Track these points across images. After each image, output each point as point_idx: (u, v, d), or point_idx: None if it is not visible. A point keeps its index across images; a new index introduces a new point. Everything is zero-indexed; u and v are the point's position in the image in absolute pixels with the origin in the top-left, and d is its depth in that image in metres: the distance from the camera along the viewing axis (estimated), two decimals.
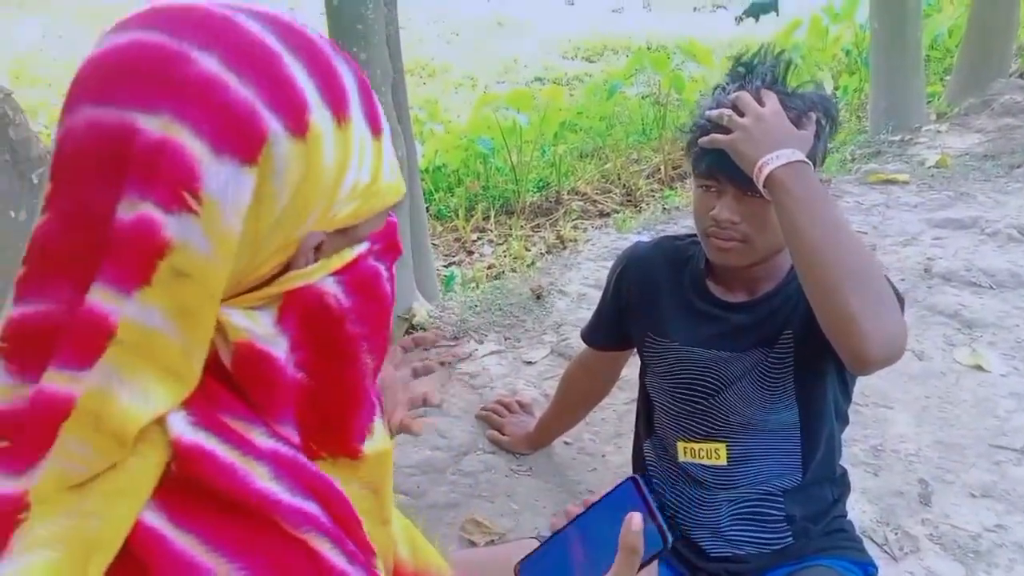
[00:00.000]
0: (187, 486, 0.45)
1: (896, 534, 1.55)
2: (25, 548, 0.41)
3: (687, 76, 7.04)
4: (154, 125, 0.42)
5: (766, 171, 1.03)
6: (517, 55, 9.62)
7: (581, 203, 5.01)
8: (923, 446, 1.79)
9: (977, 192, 3.08)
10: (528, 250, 4.32)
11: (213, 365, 0.48)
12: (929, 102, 4.59)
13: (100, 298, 0.43)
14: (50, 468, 0.42)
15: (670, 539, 0.65)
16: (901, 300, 1.09)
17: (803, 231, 1.01)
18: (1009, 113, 3.96)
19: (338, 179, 0.49)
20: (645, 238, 2.95)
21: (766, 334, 1.21)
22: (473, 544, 1.58)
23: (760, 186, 1.04)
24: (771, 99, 1.08)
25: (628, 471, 1.62)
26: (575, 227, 4.54)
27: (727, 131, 1.08)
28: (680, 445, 1.30)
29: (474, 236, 4.72)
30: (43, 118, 6.57)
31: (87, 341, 0.43)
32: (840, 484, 1.33)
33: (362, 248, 0.54)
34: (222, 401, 0.48)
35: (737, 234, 1.13)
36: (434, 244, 4.66)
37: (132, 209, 0.42)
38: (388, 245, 0.57)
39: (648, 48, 9.28)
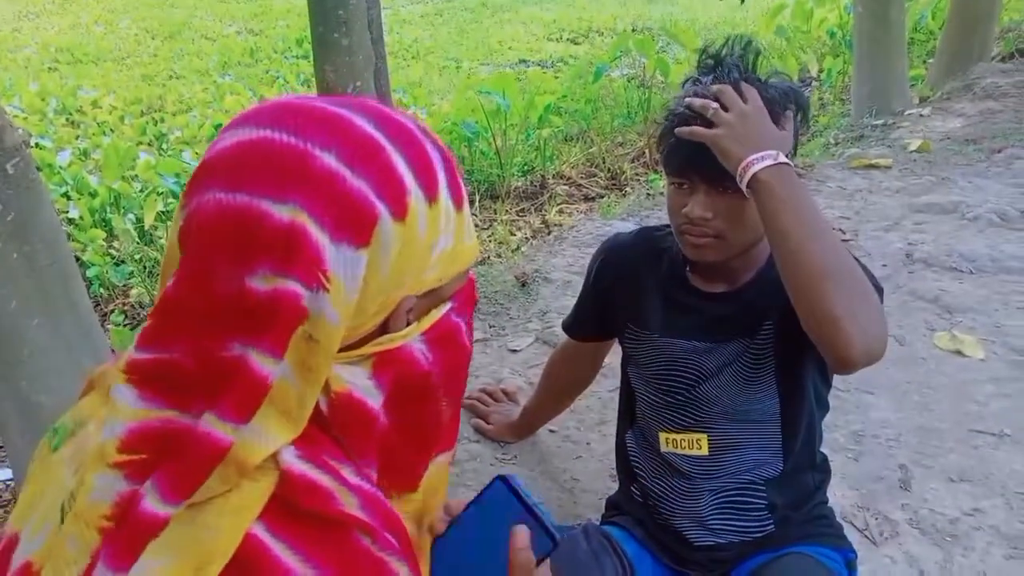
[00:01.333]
0: (287, 506, 0.53)
1: (876, 519, 1.58)
2: (149, 554, 0.49)
3: (671, 59, 7.03)
4: (283, 212, 0.50)
5: (751, 171, 1.03)
6: (501, 37, 9.55)
7: (566, 187, 4.99)
8: (903, 431, 1.82)
9: (958, 177, 3.10)
10: (513, 235, 4.31)
11: (312, 413, 0.55)
12: (912, 86, 4.60)
13: (258, 361, 0.51)
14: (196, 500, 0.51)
15: (558, 536, 0.64)
16: (880, 291, 1.10)
17: (787, 233, 1.02)
18: (991, 97, 3.98)
19: (429, 250, 0.57)
20: (631, 224, 2.96)
21: (746, 324, 1.21)
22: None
23: (743, 185, 1.04)
24: (753, 95, 1.08)
25: (612, 459, 1.63)
26: (560, 211, 4.54)
27: (708, 124, 1.08)
28: (662, 436, 1.31)
29: None
30: (17, 101, 6.47)
31: (249, 398, 0.51)
32: (821, 471, 1.35)
33: (446, 307, 0.62)
34: (320, 442, 0.56)
35: (711, 230, 1.13)
36: None
37: (268, 283, 0.50)
38: (467, 298, 0.65)
39: (633, 30, 9.24)
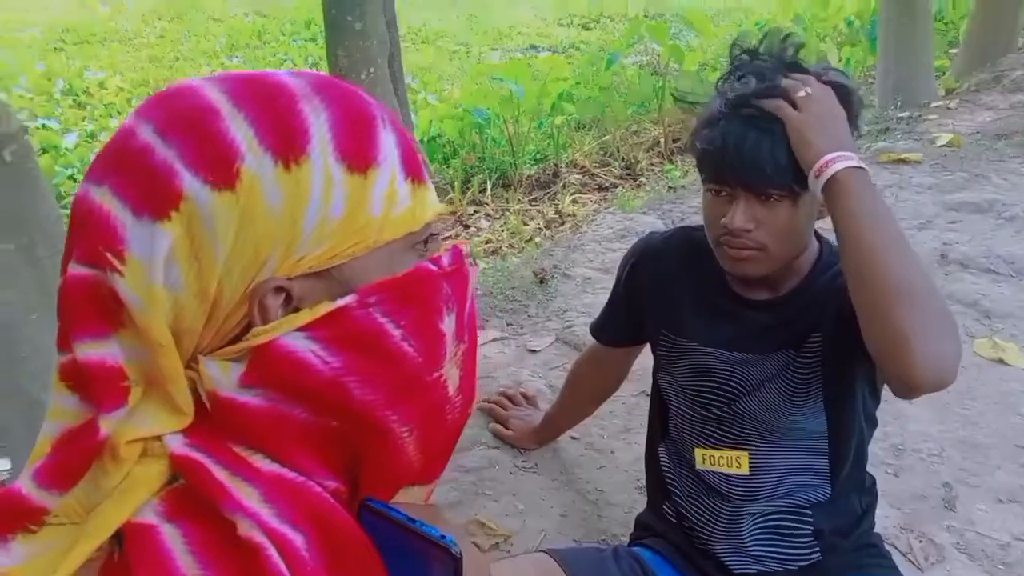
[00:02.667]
0: (189, 493, 0.48)
1: (921, 542, 1.49)
2: (23, 538, 0.47)
3: (685, 45, 6.90)
4: (97, 195, 0.48)
5: (833, 168, 0.95)
6: (511, 21, 9.41)
7: (580, 176, 4.89)
8: (946, 445, 1.72)
9: (992, 173, 2.98)
10: (526, 224, 4.22)
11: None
12: (936, 76, 4.48)
13: (90, 351, 0.48)
14: (76, 494, 0.48)
15: (455, 548, 0.51)
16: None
17: (861, 240, 0.94)
18: (1021, 90, 3.86)
19: (293, 221, 0.48)
20: (652, 218, 2.86)
21: (792, 335, 1.13)
22: (478, 547, 1.50)
23: (818, 184, 0.96)
24: (832, 96, 1.00)
25: (638, 469, 1.54)
26: (574, 201, 4.44)
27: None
28: (698, 452, 1.22)
29: (471, 210, 4.61)
30: (24, 81, 6.38)
31: (112, 387, 0.48)
32: (869, 494, 1.26)
33: (346, 300, 0.49)
34: (232, 432, 0.49)
35: (752, 242, 1.04)
36: None
37: (73, 268, 0.48)
38: (403, 297, 0.52)
39: (646, 16, 9.09)
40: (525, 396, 1.84)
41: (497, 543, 1.51)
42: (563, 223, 4.06)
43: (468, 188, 4.70)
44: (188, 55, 7.86)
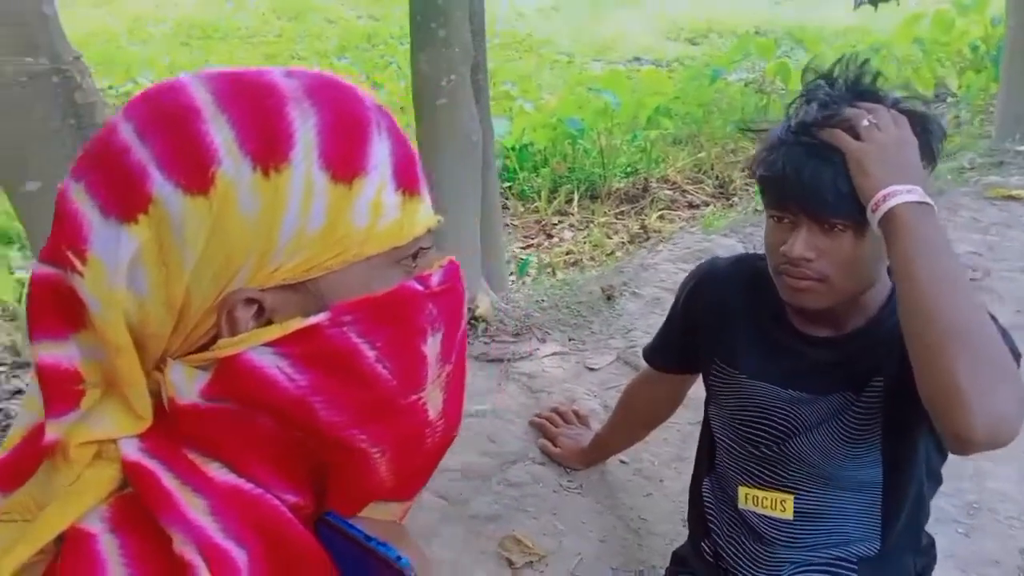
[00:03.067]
0: (137, 501, 0.47)
1: None
2: None
3: (794, 64, 6.68)
4: (73, 192, 0.48)
5: (891, 202, 0.90)
6: (617, 33, 9.35)
7: (670, 192, 4.81)
8: None
9: None
10: (609, 238, 4.17)
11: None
12: None
13: (47, 351, 0.48)
14: (25, 492, 0.48)
15: (409, 571, 0.49)
16: (1018, 356, 0.93)
17: (918, 280, 0.88)
18: None
19: (268, 229, 0.46)
20: (733, 241, 2.77)
21: (852, 377, 1.06)
22: (511, 563, 1.49)
23: (875, 217, 0.90)
24: (904, 123, 0.95)
25: (686, 500, 1.49)
26: (661, 217, 4.36)
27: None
28: (742, 490, 1.17)
29: (555, 219, 4.60)
30: (150, 74, 6.77)
31: (63, 391, 0.48)
32: (925, 555, 1.18)
33: (318, 319, 0.48)
34: (190, 439, 0.49)
35: (813, 273, 0.99)
36: (513, 225, 4.57)
37: (38, 267, 0.49)
38: (381, 317, 0.50)
39: (756, 32, 8.86)
40: (577, 415, 1.81)
41: (531, 562, 1.48)
42: (647, 238, 4.00)
43: (555, 197, 4.69)
44: (302, 55, 8.16)
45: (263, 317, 0.48)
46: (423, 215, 0.52)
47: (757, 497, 1.16)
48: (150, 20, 9.66)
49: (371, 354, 0.49)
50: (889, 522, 1.10)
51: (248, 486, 0.49)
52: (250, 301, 0.47)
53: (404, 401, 0.51)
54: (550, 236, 4.41)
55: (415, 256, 0.53)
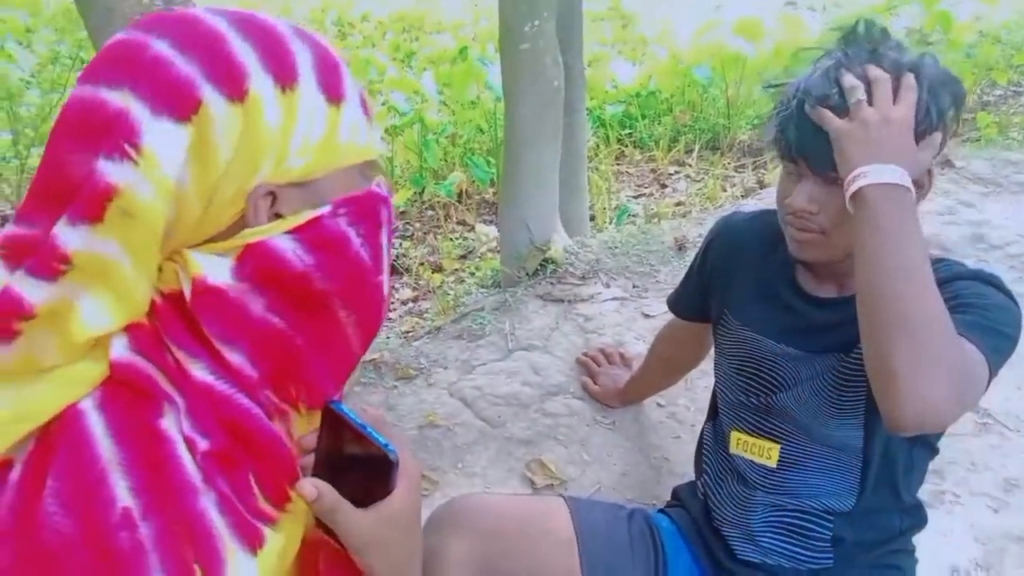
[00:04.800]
0: (123, 386, 0.55)
1: None
2: None
3: (963, 16, 6.12)
4: (115, 98, 0.53)
5: (858, 184, 0.91)
6: None
7: None
8: None
9: None
10: (725, 191, 4.09)
11: (177, 300, 0.57)
12: None
13: (59, 230, 0.53)
14: (21, 351, 0.54)
15: (393, 455, 0.59)
16: (992, 365, 0.92)
17: (874, 265, 0.90)
18: None
19: (285, 135, 0.57)
20: None
21: (845, 339, 1.08)
22: (533, 484, 1.61)
23: (847, 196, 0.92)
24: (908, 98, 0.94)
25: None
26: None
27: (841, 111, 0.94)
28: (734, 435, 1.22)
29: (672, 169, 4.56)
30: (303, 11, 7.14)
31: (48, 262, 0.53)
32: (912, 516, 1.19)
33: (323, 210, 0.60)
34: (173, 332, 0.57)
35: (814, 225, 1.01)
36: (628, 173, 4.57)
37: (86, 163, 0.53)
38: (363, 212, 0.63)
39: None
40: (622, 356, 1.88)
41: (552, 484, 1.60)
42: (760, 194, 3.89)
43: (675, 147, 4.64)
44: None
45: (274, 208, 0.59)
46: (378, 137, 0.66)
47: (747, 443, 1.21)
48: None
49: (357, 240, 0.62)
50: (866, 482, 1.11)
51: (222, 386, 0.58)
52: (268, 194, 0.58)
53: (373, 279, 0.65)
54: (664, 186, 4.38)
55: (371, 168, 0.66)
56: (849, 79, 0.95)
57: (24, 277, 0.53)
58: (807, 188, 1.00)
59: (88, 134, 0.53)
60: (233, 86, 0.55)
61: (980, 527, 1.46)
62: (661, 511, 1.34)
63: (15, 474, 0.54)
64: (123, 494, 0.52)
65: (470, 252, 3.71)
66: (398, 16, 7.28)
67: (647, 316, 2.05)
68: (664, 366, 1.63)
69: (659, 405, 1.78)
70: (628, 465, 1.65)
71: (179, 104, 0.53)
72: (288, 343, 0.61)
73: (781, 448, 1.17)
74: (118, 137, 0.52)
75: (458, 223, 4.06)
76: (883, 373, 0.87)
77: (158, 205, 0.53)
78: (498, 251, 3.59)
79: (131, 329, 0.56)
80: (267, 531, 0.57)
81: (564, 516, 1.22)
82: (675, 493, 1.39)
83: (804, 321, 1.13)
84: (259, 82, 0.56)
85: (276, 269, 0.58)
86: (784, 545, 1.16)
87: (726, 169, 4.42)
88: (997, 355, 0.94)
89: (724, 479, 1.24)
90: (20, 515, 0.52)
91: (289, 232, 0.59)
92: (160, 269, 0.57)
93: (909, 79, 0.94)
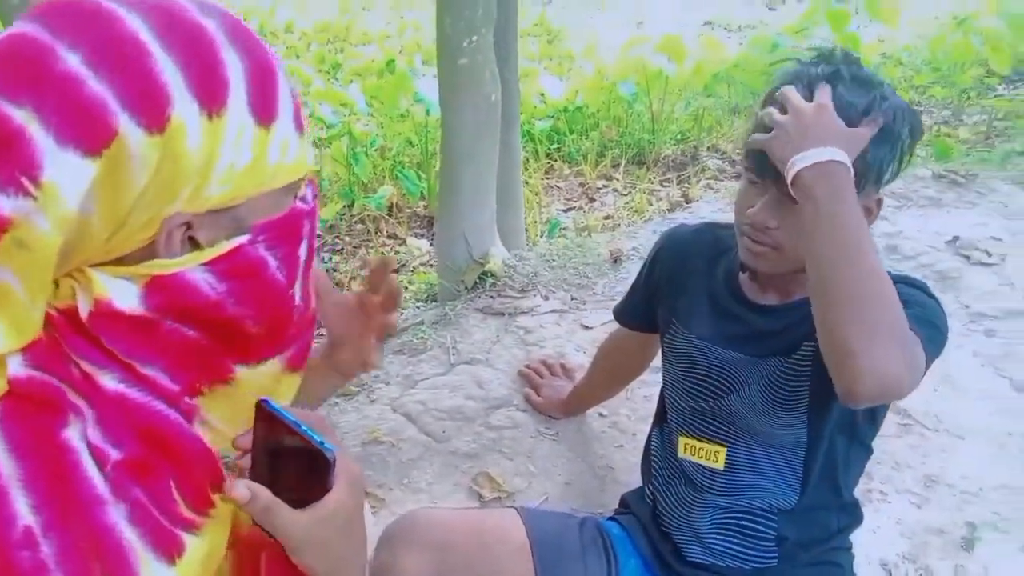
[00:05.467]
0: (23, 403, 0.53)
1: (920, 574, 1.44)
2: None
3: (868, 38, 6.46)
4: (15, 115, 0.48)
5: (792, 172, 0.95)
6: None
7: (719, 161, 4.78)
8: (986, 487, 1.63)
9: None
10: (651, 204, 4.20)
11: (75, 316, 0.54)
12: None
13: None
14: None
15: (331, 453, 0.58)
16: (929, 355, 0.98)
17: (819, 244, 0.94)
18: None
19: (207, 165, 0.53)
20: None
21: (787, 343, 1.13)
22: (481, 497, 1.61)
23: (792, 191, 0.97)
24: (824, 91, 0.99)
25: None
26: (707, 186, 4.35)
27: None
28: (682, 440, 1.26)
29: (600, 183, 4.64)
30: None
31: None
32: (849, 515, 1.25)
33: (241, 239, 0.57)
34: (76, 346, 0.54)
35: (770, 240, 1.06)
36: (557, 187, 4.63)
37: None
38: (283, 235, 0.61)
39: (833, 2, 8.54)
40: (564, 368, 1.91)
41: (499, 497, 1.61)
42: (688, 207, 4.01)
43: (602, 161, 4.73)
44: (372, 6, 8.28)
45: (190, 232, 0.55)
46: (310, 151, 0.63)
47: (694, 447, 1.25)
48: None
49: (274, 263, 0.60)
50: (808, 480, 1.17)
51: (135, 394, 0.56)
52: (184, 223, 0.54)
53: (286, 294, 0.63)
54: (592, 200, 4.45)
55: (300, 182, 0.63)
56: (762, 111, 1.01)
57: None
58: (769, 204, 1.04)
59: None
60: (153, 115, 0.50)
61: (905, 522, 1.54)
62: (611, 518, 1.36)
63: None
64: (24, 511, 0.50)
65: (403, 266, 3.70)
66: (323, 27, 7.21)
67: (586, 328, 2.08)
68: (609, 376, 1.66)
69: (601, 415, 1.81)
70: (573, 475, 1.67)
71: (89, 136, 0.48)
72: (203, 350, 0.59)
73: (728, 451, 1.21)
74: (15, 167, 0.47)
75: (389, 237, 4.03)
76: (839, 351, 0.91)
77: (56, 237, 0.49)
78: (431, 265, 3.60)
79: (30, 349, 0.53)
80: (188, 538, 0.56)
81: (517, 526, 1.24)
82: (623, 500, 1.42)
83: (749, 328, 1.17)
84: (183, 107, 0.51)
85: (188, 300, 0.56)
86: (731, 546, 1.20)
87: (652, 183, 4.53)
88: (933, 345, 1.00)
89: (672, 483, 1.27)
90: None
91: (205, 264, 0.56)
92: (56, 284, 0.54)
93: (825, 83, 0.99)
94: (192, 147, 0.52)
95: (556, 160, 4.83)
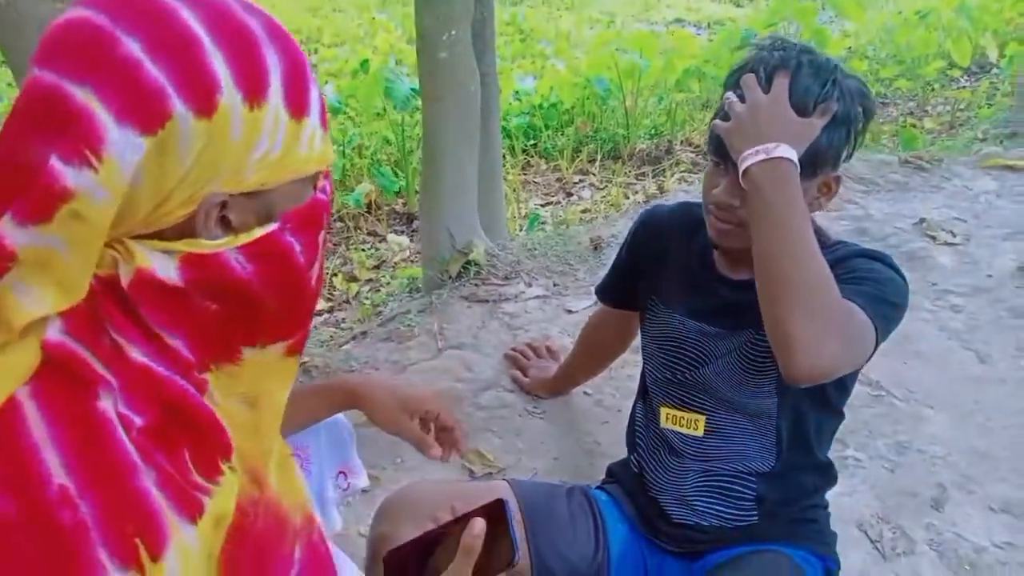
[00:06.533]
0: (57, 372, 0.56)
1: (894, 533, 1.51)
2: None
3: (836, 31, 6.60)
4: (79, 94, 0.52)
5: (742, 167, 1.02)
6: None
7: (693, 155, 4.87)
8: (954, 451, 1.71)
9: None
10: (627, 198, 4.27)
11: (113, 285, 0.58)
12: None
13: (5, 229, 0.53)
14: None
15: (517, 555, 0.75)
16: (880, 331, 1.04)
17: (760, 235, 1.01)
18: None
19: (245, 151, 0.58)
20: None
21: (757, 316, 1.18)
22: (472, 473, 1.66)
23: (742, 182, 1.03)
24: (779, 83, 1.04)
25: None
26: (682, 179, 4.43)
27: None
28: (663, 410, 1.32)
29: (576, 178, 4.71)
30: None
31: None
32: (823, 476, 1.31)
33: (271, 227, 0.62)
34: (111, 316, 0.58)
35: (734, 218, 1.12)
36: (535, 183, 4.69)
37: (40, 155, 0.52)
38: (307, 222, 0.65)
39: None
40: (549, 350, 1.97)
41: (490, 472, 1.66)
42: (663, 200, 4.09)
43: (578, 157, 4.80)
44: (343, 7, 8.29)
45: (223, 212, 0.60)
46: (330, 145, 0.68)
47: (676, 416, 1.30)
48: None
49: (298, 248, 0.65)
50: (781, 444, 1.23)
51: (159, 368, 0.60)
52: (220, 202, 0.59)
53: (305, 276, 0.67)
54: (569, 195, 4.52)
55: (320, 174, 0.68)
56: (728, 94, 1.07)
57: None
58: (730, 184, 1.10)
59: (45, 126, 0.52)
60: (203, 101, 0.54)
61: (879, 486, 1.62)
62: (598, 487, 1.42)
63: None
64: (57, 472, 0.54)
65: (383, 262, 3.73)
66: (294, 29, 7.20)
67: (569, 312, 2.14)
68: (592, 354, 1.72)
69: (586, 394, 1.87)
70: (561, 451, 1.73)
71: (147, 116, 0.53)
72: (222, 327, 0.63)
73: (707, 419, 1.27)
74: (79, 141, 0.51)
75: (368, 234, 4.07)
76: (778, 331, 0.98)
77: (111, 209, 0.54)
78: (411, 261, 3.64)
79: (66, 312, 0.56)
80: (205, 499, 0.61)
81: (508, 495, 1.29)
82: (609, 470, 1.48)
83: (722, 301, 1.23)
84: (229, 96, 0.55)
85: (220, 277, 0.60)
86: (715, 506, 1.26)
87: (627, 177, 4.61)
88: (886, 322, 1.07)
89: (656, 452, 1.33)
90: None
91: (238, 248, 0.61)
92: None
93: (783, 71, 1.04)
94: (235, 133, 0.56)
95: (533, 156, 4.89)
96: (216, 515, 0.62)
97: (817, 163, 1.05)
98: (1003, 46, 5.76)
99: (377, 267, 3.70)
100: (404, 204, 4.24)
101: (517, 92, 5.22)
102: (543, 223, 3.79)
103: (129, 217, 0.56)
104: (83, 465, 0.54)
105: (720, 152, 1.10)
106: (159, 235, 0.59)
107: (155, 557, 0.56)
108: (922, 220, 2.56)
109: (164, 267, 0.58)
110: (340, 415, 1.18)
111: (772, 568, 1.20)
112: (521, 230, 3.68)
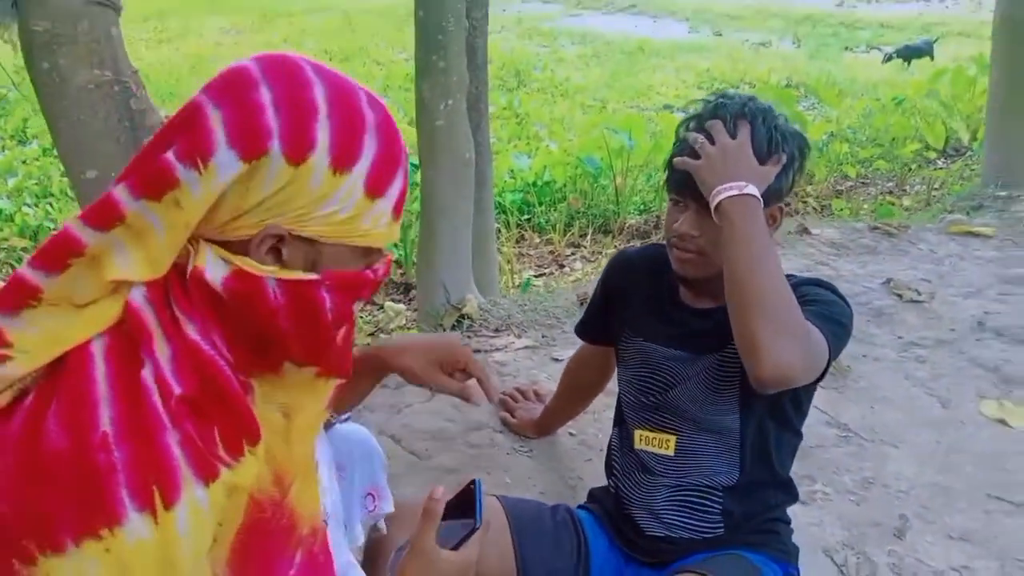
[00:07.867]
0: (123, 343, 0.68)
1: (859, 559, 1.60)
2: (28, 312, 0.67)
3: (815, 117, 6.93)
4: (212, 114, 0.67)
5: (716, 200, 1.17)
6: (652, 82, 9.71)
7: None
8: (916, 486, 1.81)
9: None
10: None
11: (182, 275, 0.70)
12: None
13: (122, 196, 0.68)
14: (63, 284, 0.68)
15: (478, 522, 0.88)
16: (832, 347, 1.17)
17: (733, 259, 1.15)
18: None
19: (317, 203, 0.69)
20: None
21: (719, 340, 1.32)
22: None
23: (713, 212, 1.18)
24: (743, 131, 1.20)
25: None
26: None
27: (697, 155, 1.21)
28: (637, 433, 1.43)
29: (568, 251, 4.88)
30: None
31: (104, 215, 0.68)
32: (785, 492, 1.42)
33: (311, 276, 0.72)
34: (177, 296, 0.70)
35: (694, 247, 1.26)
36: (528, 255, 4.87)
37: (170, 153, 0.67)
38: (346, 288, 0.75)
39: (788, 85, 9.13)
40: (536, 393, 2.08)
41: None
42: None
43: (569, 231, 4.99)
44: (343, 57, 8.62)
45: (278, 245, 0.70)
46: (395, 233, 0.80)
47: (648, 438, 1.42)
48: (211, 57, 10.32)
49: (328, 304, 0.74)
50: (745, 460, 1.34)
51: (207, 347, 0.70)
52: (280, 236, 0.70)
53: (328, 334, 0.76)
54: (562, 266, 4.69)
55: (375, 251, 0.78)
56: (691, 135, 1.23)
57: (82, 226, 0.68)
58: (690, 217, 1.25)
59: (179, 128, 0.68)
60: (297, 152, 0.67)
61: (846, 517, 1.71)
62: (580, 507, 1.52)
63: (29, 399, 0.67)
64: (105, 422, 0.65)
65: (379, 329, 3.86)
66: None
67: (556, 360, 2.27)
68: (574, 390, 1.84)
69: (571, 434, 1.98)
70: (547, 485, 1.83)
71: (250, 147, 0.66)
72: (253, 340, 0.73)
73: (677, 439, 1.39)
74: (195, 149, 0.66)
75: (366, 304, 4.21)
76: (748, 344, 1.11)
77: (203, 205, 0.67)
78: (408, 328, 3.77)
79: (149, 283, 0.69)
80: (222, 469, 0.68)
81: (498, 511, 1.39)
82: (591, 494, 1.58)
83: (687, 329, 1.37)
84: (320, 157, 0.67)
85: (253, 296, 0.70)
86: (684, 519, 1.37)
87: (617, 249, 4.79)
88: (836, 339, 1.20)
89: (631, 472, 1.44)
90: (28, 428, 0.65)
91: (278, 280, 0.70)
92: None
93: (743, 120, 1.21)
94: (313, 186, 0.68)
95: (527, 230, 5.08)
96: (230, 485, 0.69)
97: (769, 198, 1.21)
98: (975, 131, 6.06)
99: (373, 333, 3.83)
100: (403, 274, 4.40)
101: (512, 170, 5.46)
102: (535, 287, 3.94)
103: (211, 221, 0.68)
104: (123, 420, 0.65)
105: (681, 188, 1.26)
106: (227, 245, 0.70)
107: (168, 505, 0.64)
108: (889, 280, 2.71)
109: (213, 272, 0.69)
110: (372, 439, 1.27)
111: (729, 564, 1.30)
112: (515, 286, 3.82)
